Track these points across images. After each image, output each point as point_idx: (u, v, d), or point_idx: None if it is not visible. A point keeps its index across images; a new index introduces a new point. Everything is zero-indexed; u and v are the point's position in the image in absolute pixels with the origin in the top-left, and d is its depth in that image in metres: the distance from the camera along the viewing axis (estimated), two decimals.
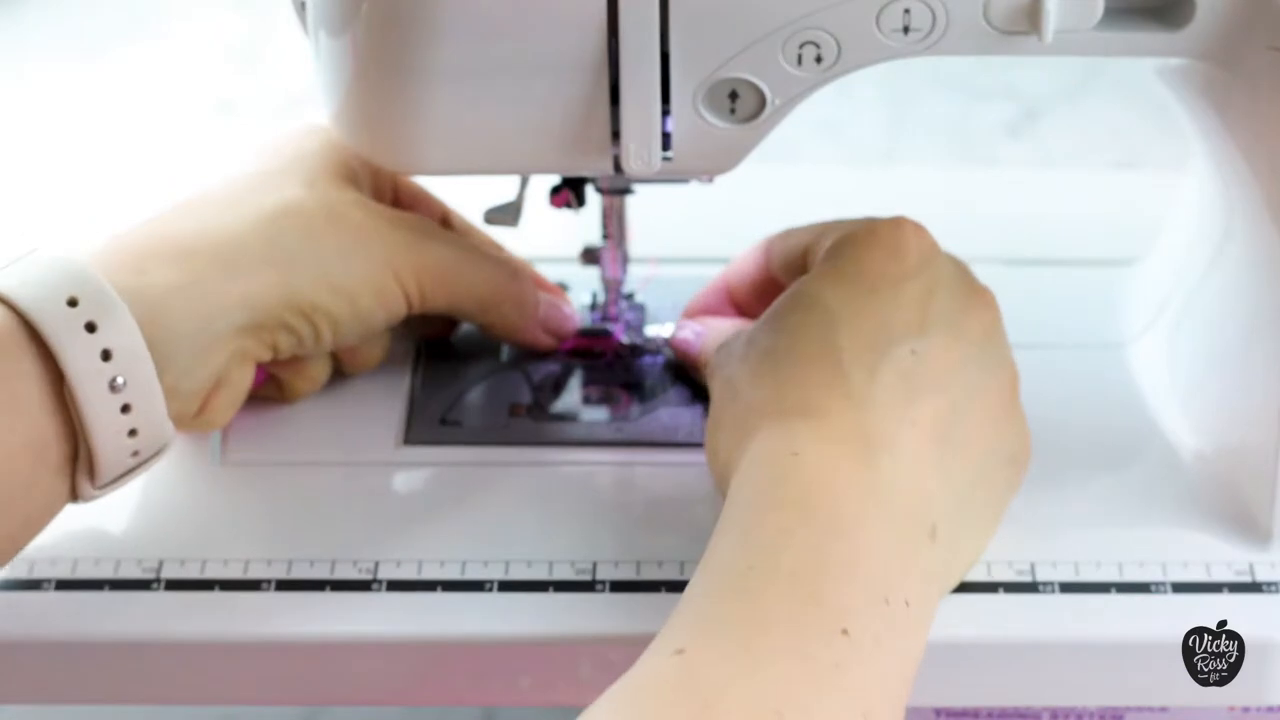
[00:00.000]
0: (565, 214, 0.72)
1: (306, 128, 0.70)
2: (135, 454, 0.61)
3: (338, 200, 0.66)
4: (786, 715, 0.51)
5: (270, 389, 0.70)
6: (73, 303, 0.59)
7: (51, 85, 1.15)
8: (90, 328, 0.59)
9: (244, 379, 0.66)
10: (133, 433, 0.60)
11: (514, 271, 0.71)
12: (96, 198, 0.86)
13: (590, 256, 0.74)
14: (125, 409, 0.60)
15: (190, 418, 0.65)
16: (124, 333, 0.59)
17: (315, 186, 0.66)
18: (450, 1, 0.60)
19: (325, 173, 0.67)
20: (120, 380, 0.59)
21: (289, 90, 1.11)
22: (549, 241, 0.77)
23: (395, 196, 0.72)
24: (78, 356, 0.58)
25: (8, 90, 1.14)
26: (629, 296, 0.75)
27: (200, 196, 0.65)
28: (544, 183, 0.71)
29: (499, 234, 0.74)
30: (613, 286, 0.74)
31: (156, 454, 0.62)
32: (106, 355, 0.59)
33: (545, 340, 0.73)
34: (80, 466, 0.60)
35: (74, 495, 0.61)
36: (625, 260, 0.74)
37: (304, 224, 0.65)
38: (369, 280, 0.66)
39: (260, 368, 0.68)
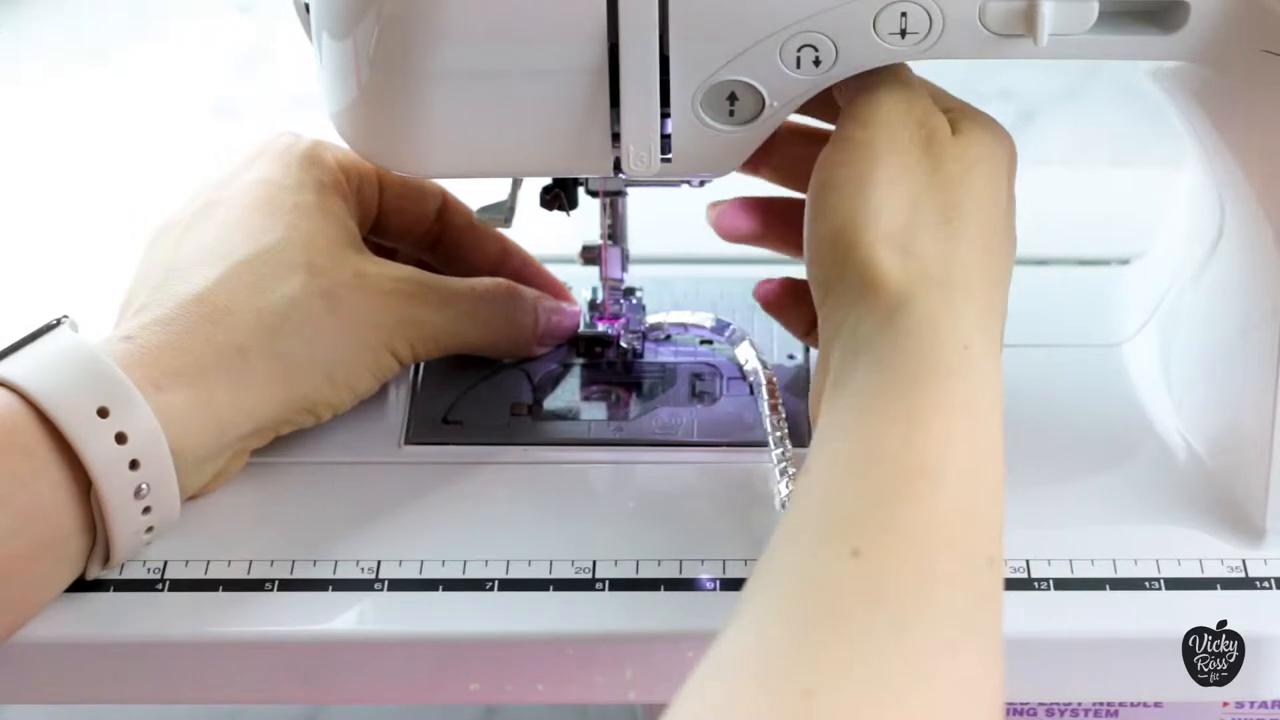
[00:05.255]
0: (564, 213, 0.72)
1: (299, 154, 0.70)
2: (147, 541, 0.64)
3: (335, 283, 0.67)
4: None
5: None
6: (103, 413, 0.61)
7: (52, 87, 1.15)
8: (120, 439, 0.61)
9: (240, 463, 0.68)
10: (150, 529, 0.63)
11: (506, 311, 0.72)
12: (98, 199, 0.86)
13: (590, 255, 0.74)
14: (146, 510, 0.62)
15: (185, 499, 0.66)
16: (150, 441, 0.62)
17: (312, 272, 0.66)
18: (452, 5, 0.60)
19: (319, 246, 0.67)
20: (145, 487, 0.62)
21: (291, 93, 1.11)
22: (548, 241, 0.77)
23: (381, 199, 0.73)
24: (107, 468, 0.61)
25: (8, 92, 1.14)
26: (629, 293, 0.75)
27: (201, 296, 0.65)
28: (537, 183, 0.71)
29: None
30: (611, 285, 0.74)
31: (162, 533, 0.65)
32: (134, 465, 0.61)
33: (544, 350, 0.74)
34: (95, 554, 0.63)
35: (83, 575, 0.63)
36: (625, 258, 0.74)
37: (305, 324, 0.66)
38: (367, 366, 0.68)
39: None
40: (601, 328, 0.75)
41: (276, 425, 0.67)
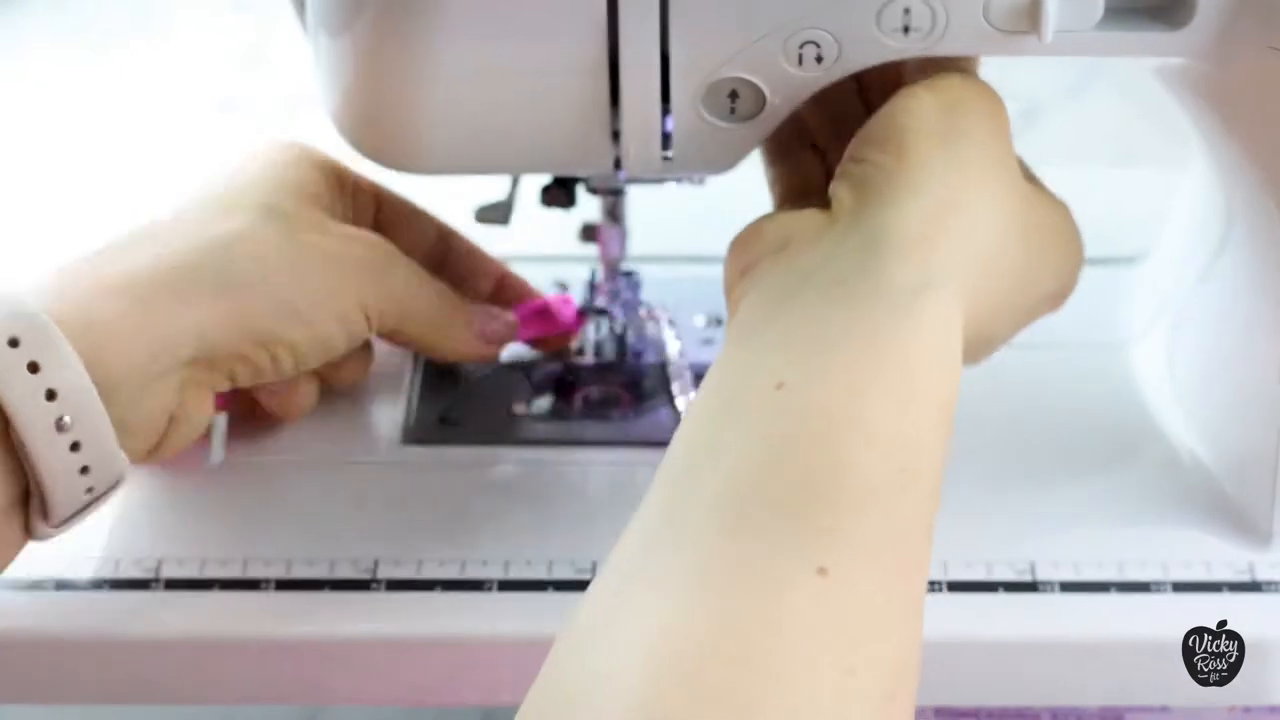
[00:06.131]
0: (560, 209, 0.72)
1: (278, 146, 0.69)
2: (89, 490, 0.60)
3: (295, 225, 0.65)
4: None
5: (263, 418, 0.70)
6: (14, 343, 0.57)
7: (55, 82, 1.15)
8: (33, 368, 0.57)
9: (200, 410, 0.64)
10: (84, 470, 0.59)
11: (455, 301, 0.71)
12: (99, 195, 0.86)
13: (589, 234, 0.74)
14: (74, 447, 0.59)
15: (144, 453, 0.63)
16: (68, 370, 0.58)
17: (271, 212, 0.65)
18: (451, 2, 0.60)
19: (285, 196, 0.66)
20: (67, 419, 0.58)
21: (291, 90, 1.11)
22: (546, 239, 0.77)
23: (377, 217, 0.72)
24: (21, 399, 0.57)
25: (11, 87, 1.14)
26: (628, 274, 0.75)
27: (150, 226, 0.64)
28: (536, 181, 0.71)
29: (491, 232, 0.74)
30: (610, 265, 0.74)
31: (112, 488, 0.61)
32: (51, 395, 0.58)
33: (486, 350, 0.72)
34: (34, 507, 0.59)
35: (30, 534, 0.60)
36: (624, 238, 0.74)
37: (259, 251, 0.64)
38: (329, 305, 0.65)
39: (249, 402, 0.69)
40: (600, 301, 0.75)
41: (229, 357, 0.63)
